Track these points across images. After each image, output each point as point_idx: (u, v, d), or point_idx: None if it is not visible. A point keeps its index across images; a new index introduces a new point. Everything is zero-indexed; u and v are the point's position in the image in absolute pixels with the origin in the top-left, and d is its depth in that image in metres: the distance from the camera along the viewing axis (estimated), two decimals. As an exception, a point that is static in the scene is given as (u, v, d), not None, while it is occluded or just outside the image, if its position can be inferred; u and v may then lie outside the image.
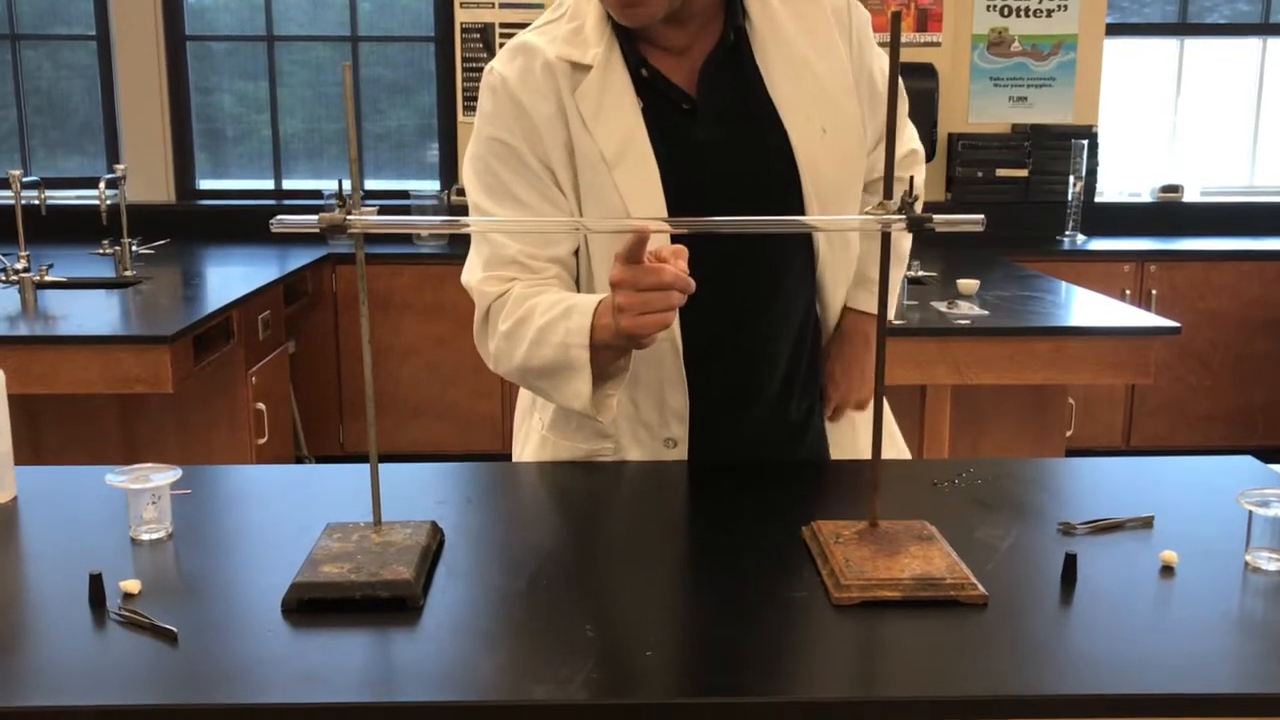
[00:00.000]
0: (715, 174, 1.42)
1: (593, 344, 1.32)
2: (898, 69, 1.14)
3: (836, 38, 1.46)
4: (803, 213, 1.43)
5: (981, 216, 1.13)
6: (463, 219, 1.47)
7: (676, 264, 1.22)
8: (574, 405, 1.38)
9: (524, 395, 1.63)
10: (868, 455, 1.61)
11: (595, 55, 1.39)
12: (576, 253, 1.46)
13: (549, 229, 1.43)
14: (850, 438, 1.62)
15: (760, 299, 1.48)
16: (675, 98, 1.42)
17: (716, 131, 1.42)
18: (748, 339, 1.49)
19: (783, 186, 1.43)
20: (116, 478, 1.24)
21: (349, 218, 1.08)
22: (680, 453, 1.50)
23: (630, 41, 1.41)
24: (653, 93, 1.41)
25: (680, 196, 1.39)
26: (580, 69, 1.40)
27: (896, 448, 1.69)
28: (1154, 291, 4.54)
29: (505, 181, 1.42)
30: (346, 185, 1.11)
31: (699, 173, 1.41)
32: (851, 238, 1.52)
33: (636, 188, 1.39)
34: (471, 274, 1.47)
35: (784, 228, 1.46)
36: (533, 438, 1.59)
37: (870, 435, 1.60)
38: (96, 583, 1.08)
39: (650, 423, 1.49)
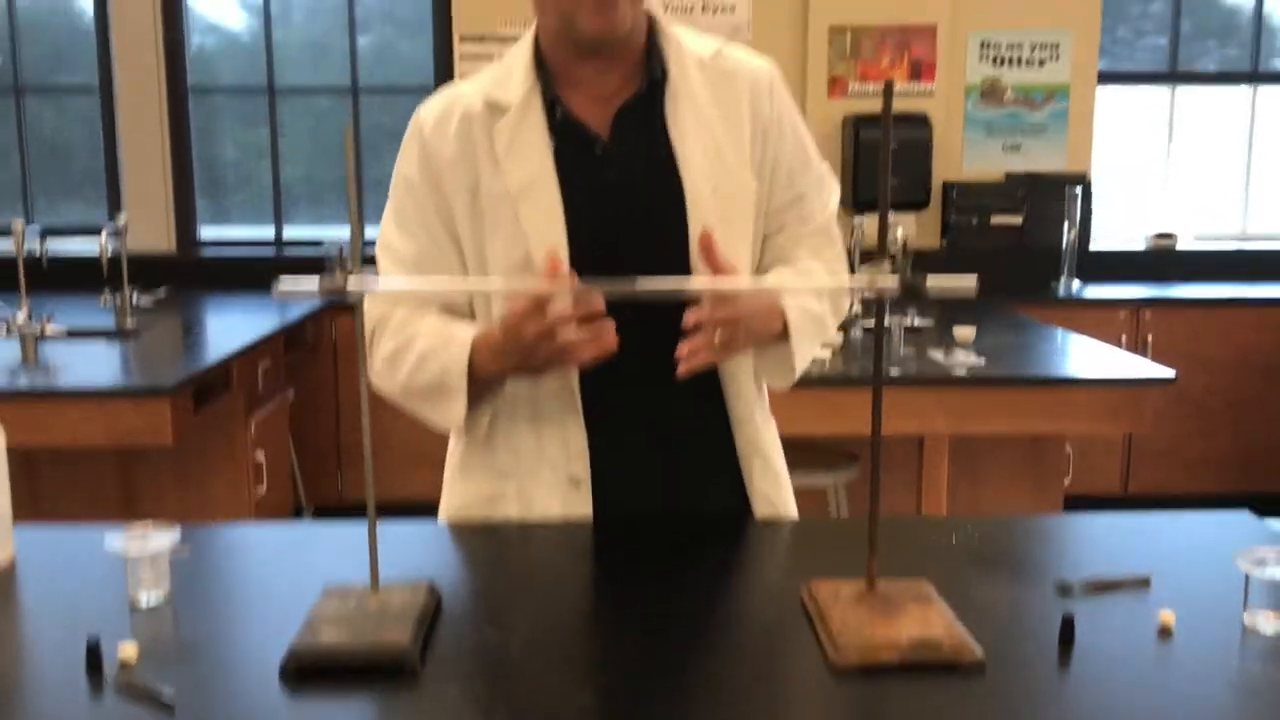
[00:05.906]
0: (617, 215, 1.48)
1: (471, 376, 1.43)
2: (889, 133, 1.16)
3: (745, 119, 1.51)
4: (686, 256, 1.46)
5: (974, 279, 1.12)
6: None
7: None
8: (449, 423, 1.50)
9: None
10: (790, 506, 1.61)
11: (517, 95, 1.48)
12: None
13: (475, 287, 1.51)
14: (772, 484, 1.58)
15: (651, 325, 1.40)
16: (588, 140, 1.48)
17: (623, 175, 1.48)
18: (643, 372, 1.45)
19: (674, 232, 1.47)
20: (115, 541, 1.24)
21: (350, 289, 1.10)
22: (584, 493, 1.50)
23: (550, 85, 1.48)
24: (566, 134, 1.48)
25: (581, 234, 1.45)
26: (500, 109, 1.48)
27: (782, 499, 1.61)
28: (1149, 338, 4.56)
29: (406, 216, 1.53)
30: (346, 245, 1.12)
31: (602, 213, 1.47)
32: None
33: (539, 222, 1.44)
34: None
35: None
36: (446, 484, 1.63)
37: (778, 489, 1.58)
38: (94, 651, 1.08)
39: (554, 460, 1.50)
